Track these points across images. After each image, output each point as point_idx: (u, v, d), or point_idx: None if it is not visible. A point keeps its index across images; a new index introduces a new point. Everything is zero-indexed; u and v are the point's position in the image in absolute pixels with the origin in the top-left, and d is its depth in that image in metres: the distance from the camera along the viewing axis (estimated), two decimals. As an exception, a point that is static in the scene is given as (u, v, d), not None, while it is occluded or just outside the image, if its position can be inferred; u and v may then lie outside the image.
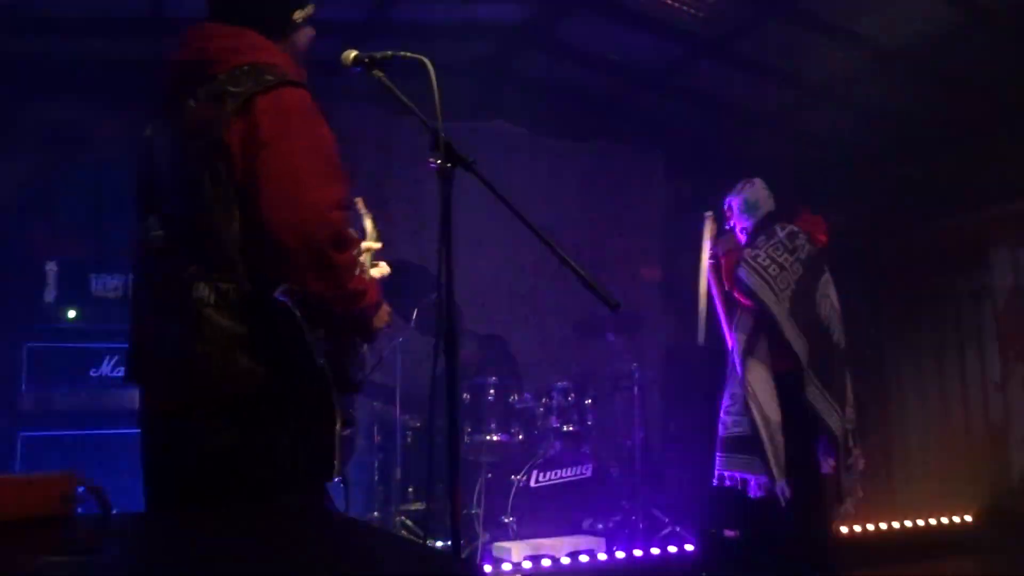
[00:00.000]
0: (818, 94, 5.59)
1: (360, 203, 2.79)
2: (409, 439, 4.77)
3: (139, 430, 2.01)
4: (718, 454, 4.18)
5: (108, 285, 3.84)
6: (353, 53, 2.34)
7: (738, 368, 4.10)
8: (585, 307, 5.42)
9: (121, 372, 3.75)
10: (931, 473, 5.71)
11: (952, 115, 5.37)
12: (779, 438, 3.95)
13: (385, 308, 2.21)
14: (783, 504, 3.93)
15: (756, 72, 5.45)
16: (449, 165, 2.24)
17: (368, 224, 2.83)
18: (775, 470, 3.93)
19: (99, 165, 4.63)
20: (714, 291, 4.33)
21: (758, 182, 4.36)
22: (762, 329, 4.08)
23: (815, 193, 5.33)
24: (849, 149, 5.93)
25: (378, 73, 2.35)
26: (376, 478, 4.69)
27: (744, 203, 4.31)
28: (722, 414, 4.18)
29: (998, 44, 4.75)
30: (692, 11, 4.78)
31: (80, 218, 4.49)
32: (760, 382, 4.03)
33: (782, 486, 3.93)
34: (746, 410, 4.02)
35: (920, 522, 4.96)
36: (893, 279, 5.97)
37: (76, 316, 3.80)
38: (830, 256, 4.37)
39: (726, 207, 4.40)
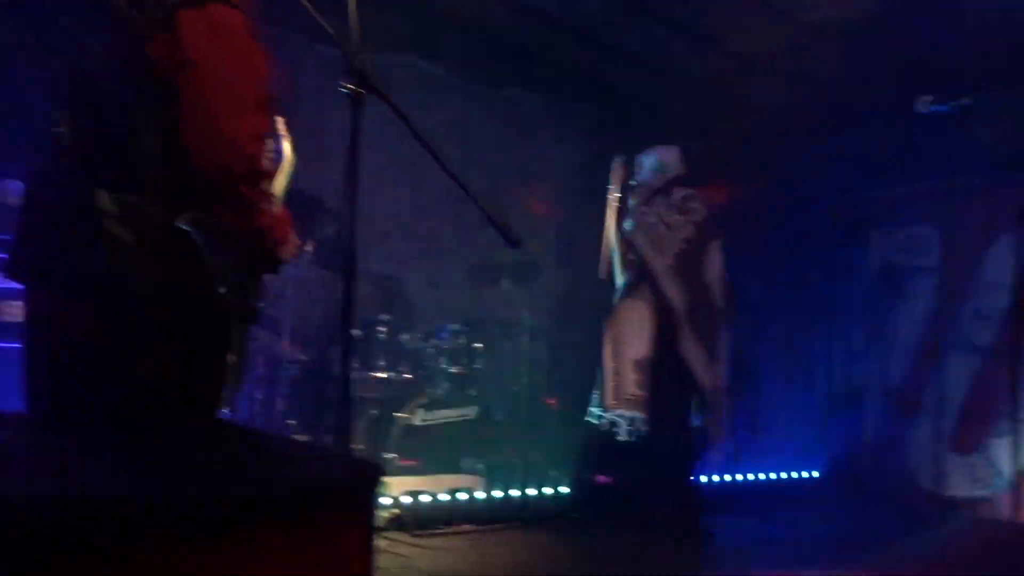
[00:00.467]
0: (748, 64, 5.70)
1: (281, 124, 2.72)
2: (296, 373, 4.74)
3: (25, 333, 1.93)
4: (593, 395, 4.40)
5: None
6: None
7: (614, 306, 4.33)
8: (482, 253, 5.52)
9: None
10: (791, 430, 6.09)
11: (878, 92, 5.55)
12: (630, 374, 4.15)
13: (294, 241, 2.20)
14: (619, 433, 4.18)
15: (688, 37, 5.50)
16: (362, 92, 2.22)
17: (287, 148, 2.76)
18: (608, 397, 4.15)
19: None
20: (614, 235, 4.51)
21: (675, 150, 4.56)
22: (644, 279, 4.28)
23: (730, 161, 5.50)
24: (774, 121, 6.09)
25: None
26: (257, 410, 4.66)
27: (655, 163, 4.49)
28: None
29: (927, 25, 4.91)
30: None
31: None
32: (634, 322, 4.24)
33: (614, 417, 4.15)
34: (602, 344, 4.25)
35: (776, 475, 5.31)
36: (786, 248, 6.24)
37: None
38: (727, 223, 4.60)
39: (637, 163, 4.54)
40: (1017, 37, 4.70)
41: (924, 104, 3.42)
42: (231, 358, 2.02)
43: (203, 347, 1.92)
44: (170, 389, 1.87)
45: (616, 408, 4.18)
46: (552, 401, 5.53)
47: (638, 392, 4.18)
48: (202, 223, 1.83)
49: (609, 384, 4.23)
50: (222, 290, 1.87)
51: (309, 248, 4.46)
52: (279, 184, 2.97)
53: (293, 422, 4.72)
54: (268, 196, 1.98)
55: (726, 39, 5.43)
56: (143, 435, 1.60)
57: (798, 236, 6.27)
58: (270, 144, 2.05)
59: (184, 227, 1.81)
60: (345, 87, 2.18)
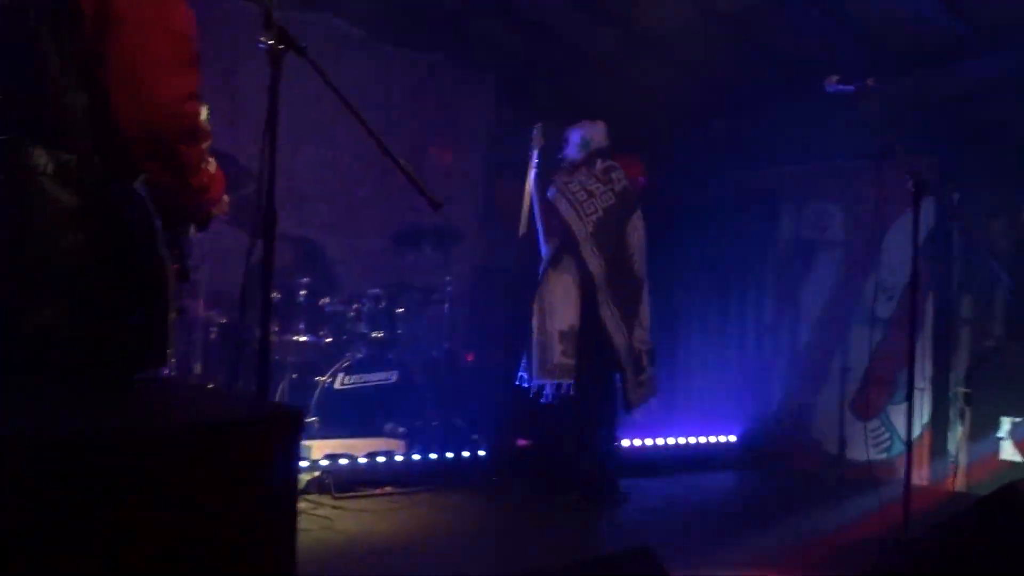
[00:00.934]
0: (648, 44, 5.79)
1: None
2: (213, 335, 4.64)
3: None
4: (523, 359, 4.43)
5: None
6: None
7: (539, 276, 4.36)
8: (404, 218, 5.48)
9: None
10: (706, 398, 6.28)
11: (765, 78, 5.73)
12: (557, 345, 4.22)
13: (225, 199, 2.16)
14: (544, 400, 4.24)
15: (593, 14, 5.56)
16: (281, 47, 2.18)
17: (204, 113, 2.70)
18: (535, 369, 4.22)
19: None
20: (535, 200, 4.53)
21: (601, 125, 4.63)
22: (568, 246, 4.33)
23: (636, 139, 5.59)
24: (674, 100, 6.22)
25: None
26: (173, 373, 4.53)
27: (581, 139, 4.56)
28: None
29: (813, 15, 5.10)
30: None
31: None
32: (559, 292, 4.30)
33: (538, 384, 4.21)
34: (531, 314, 4.30)
35: (692, 440, 5.46)
36: (697, 225, 6.39)
37: None
38: (644, 195, 4.70)
39: (564, 137, 4.59)
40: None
41: (831, 83, 3.55)
42: (172, 317, 1.99)
43: (147, 308, 1.88)
44: (112, 351, 1.82)
45: (544, 377, 4.23)
46: (470, 357, 5.55)
47: (566, 361, 4.23)
48: (154, 184, 1.79)
49: (535, 355, 4.27)
50: (163, 250, 1.85)
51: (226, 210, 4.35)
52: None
53: (211, 386, 4.62)
54: (202, 155, 1.92)
55: (628, 18, 5.52)
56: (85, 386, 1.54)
57: (708, 210, 6.44)
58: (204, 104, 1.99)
59: (137, 189, 1.77)
60: (264, 43, 2.13)
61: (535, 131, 4.66)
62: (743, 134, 6.23)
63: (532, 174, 4.57)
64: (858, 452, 5.28)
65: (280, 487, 1.00)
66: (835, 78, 3.55)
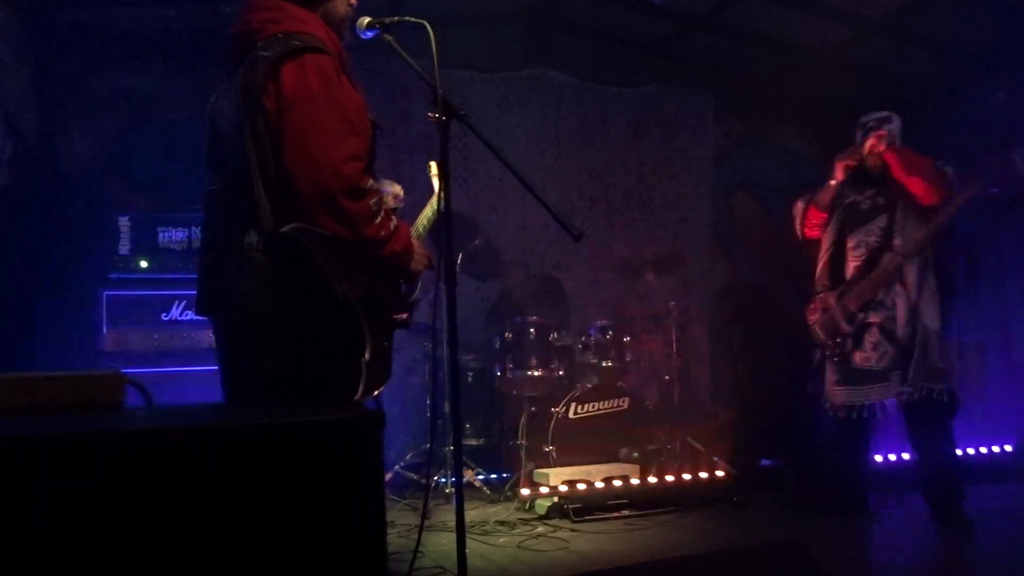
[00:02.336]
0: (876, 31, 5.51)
1: (433, 166, 3.06)
2: (469, 378, 5.09)
3: (216, 348, 2.33)
4: (847, 387, 4.15)
5: (173, 238, 4.24)
6: (366, 19, 2.57)
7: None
8: (626, 249, 5.66)
9: (188, 316, 4.19)
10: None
11: None
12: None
13: (422, 252, 2.48)
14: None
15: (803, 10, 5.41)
16: (444, 119, 2.46)
17: (436, 185, 3.09)
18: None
19: (167, 127, 5.03)
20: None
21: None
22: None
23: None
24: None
25: (388, 37, 2.58)
26: (428, 415, 5.00)
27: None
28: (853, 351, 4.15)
29: None
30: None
31: (149, 177, 4.91)
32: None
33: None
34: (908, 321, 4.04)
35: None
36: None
37: (147, 266, 4.21)
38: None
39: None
40: None
41: None
42: (367, 358, 2.33)
43: (337, 350, 2.24)
44: (312, 386, 2.20)
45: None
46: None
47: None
48: (305, 230, 2.14)
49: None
50: (343, 295, 2.18)
51: (458, 259, 4.77)
52: (424, 215, 3.37)
53: (468, 426, 5.04)
54: (370, 210, 2.23)
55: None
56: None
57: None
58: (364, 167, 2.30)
59: (287, 232, 2.13)
60: (432, 117, 2.41)
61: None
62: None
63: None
64: None
65: (362, 487, 1.20)
66: None
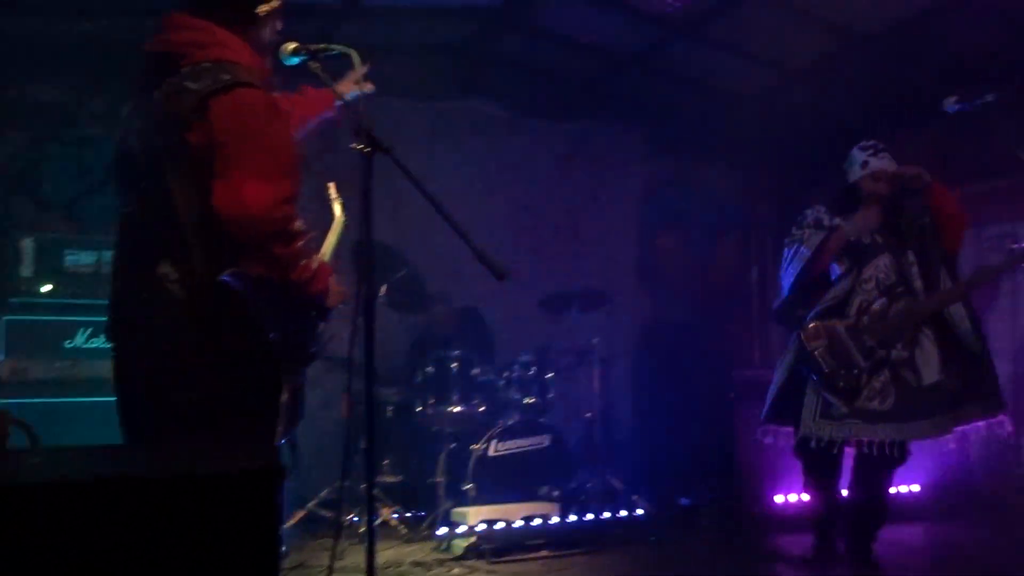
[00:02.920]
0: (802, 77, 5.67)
1: (332, 188, 2.96)
2: (388, 413, 4.97)
3: (115, 380, 2.21)
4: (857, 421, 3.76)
5: (82, 261, 4.04)
6: (292, 45, 2.50)
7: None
8: (551, 284, 5.64)
9: (94, 344, 4.00)
10: None
11: None
12: None
13: (336, 289, 2.40)
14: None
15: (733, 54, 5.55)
16: (368, 150, 2.41)
17: (337, 210, 2.97)
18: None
19: (80, 144, 4.82)
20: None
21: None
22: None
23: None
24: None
25: (315, 65, 2.52)
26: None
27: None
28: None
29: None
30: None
31: (59, 195, 4.69)
32: None
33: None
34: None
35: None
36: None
37: (51, 290, 4.00)
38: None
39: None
40: None
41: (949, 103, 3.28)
42: (283, 398, 2.26)
43: (255, 389, 2.16)
44: (225, 427, 2.11)
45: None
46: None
47: None
48: (240, 275, 2.06)
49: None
50: (271, 335, 2.13)
51: (382, 291, 4.68)
52: (328, 243, 3.25)
53: (386, 462, 4.90)
54: (298, 253, 2.17)
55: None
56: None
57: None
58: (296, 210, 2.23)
59: (228, 280, 2.05)
60: (355, 147, 2.36)
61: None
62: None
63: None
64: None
65: (255, 541, 1.14)
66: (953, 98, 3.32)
